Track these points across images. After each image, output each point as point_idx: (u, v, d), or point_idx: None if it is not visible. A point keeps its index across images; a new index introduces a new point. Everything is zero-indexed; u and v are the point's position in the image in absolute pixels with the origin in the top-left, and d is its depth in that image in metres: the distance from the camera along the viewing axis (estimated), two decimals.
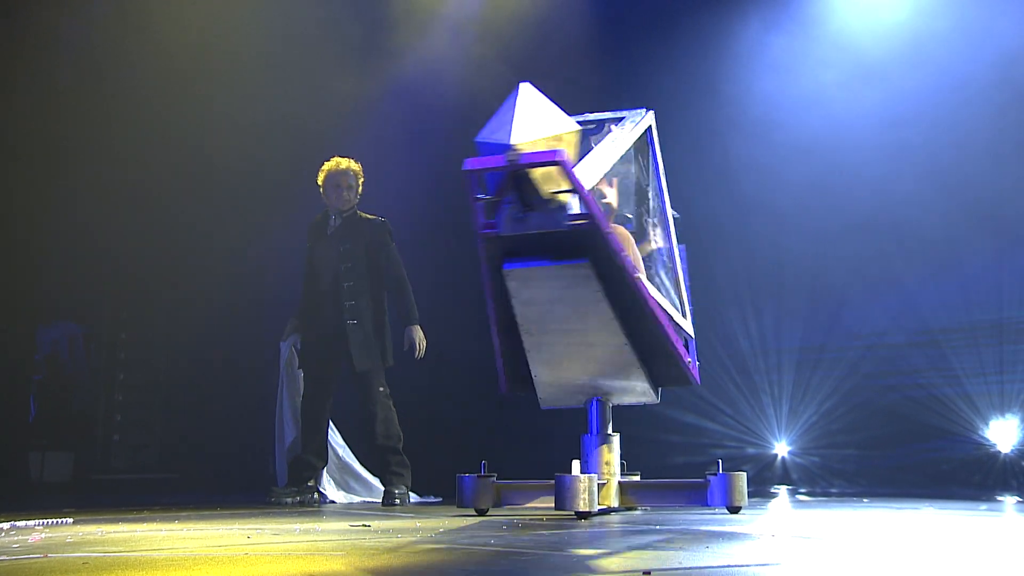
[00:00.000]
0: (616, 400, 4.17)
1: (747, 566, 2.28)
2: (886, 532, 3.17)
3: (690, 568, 2.23)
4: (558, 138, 3.41)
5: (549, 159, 3.34)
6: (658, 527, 3.39)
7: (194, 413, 7.66)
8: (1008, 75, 6.21)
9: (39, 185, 6.95)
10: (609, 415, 4.15)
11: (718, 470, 3.87)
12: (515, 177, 3.41)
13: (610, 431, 4.12)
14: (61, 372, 7.95)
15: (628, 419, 4.41)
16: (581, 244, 3.50)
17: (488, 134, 3.41)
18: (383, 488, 5.51)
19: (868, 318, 6.65)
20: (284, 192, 7.01)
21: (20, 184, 6.83)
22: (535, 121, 3.40)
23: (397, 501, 5.32)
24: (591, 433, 4.11)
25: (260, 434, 6.81)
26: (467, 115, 7.22)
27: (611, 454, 4.07)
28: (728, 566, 2.27)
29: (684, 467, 6.59)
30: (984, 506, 4.60)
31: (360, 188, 5.67)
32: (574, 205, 3.45)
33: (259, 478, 6.56)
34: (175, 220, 7.38)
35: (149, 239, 7.44)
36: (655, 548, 2.67)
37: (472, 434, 7.03)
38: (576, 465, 3.97)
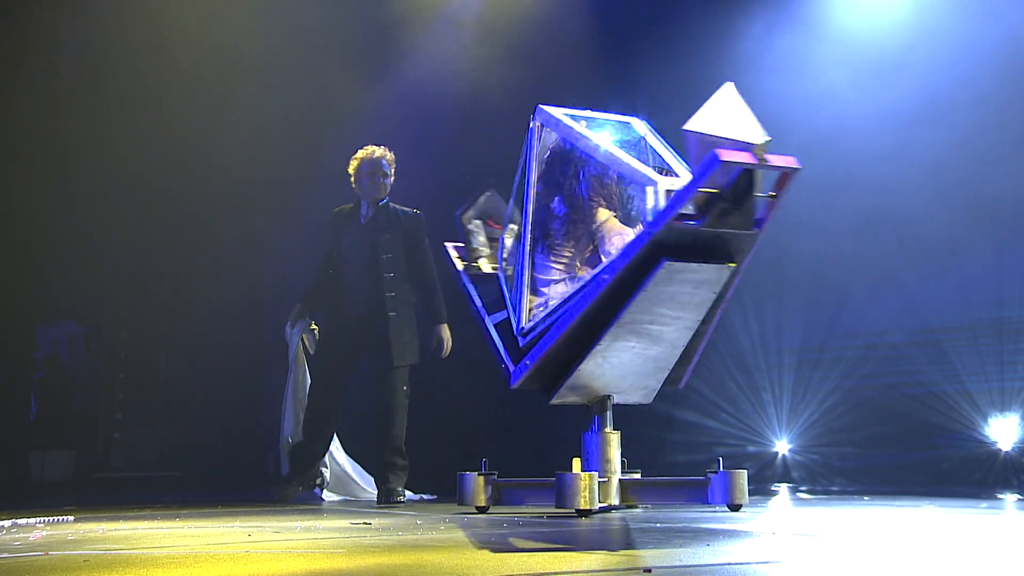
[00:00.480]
0: (620, 399, 4.17)
1: (748, 564, 2.28)
2: (887, 530, 3.17)
3: (691, 566, 2.23)
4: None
5: (794, 167, 3.45)
6: (659, 525, 3.39)
7: (194, 412, 7.66)
8: (1008, 73, 6.21)
9: (39, 185, 6.96)
10: (610, 413, 4.14)
11: (719, 468, 3.87)
12: (749, 176, 3.45)
13: (611, 429, 4.12)
14: (62, 371, 7.95)
15: (629, 417, 4.41)
16: (740, 249, 3.62)
17: (717, 127, 3.41)
18: (381, 486, 5.42)
19: (869, 317, 6.64)
20: (285, 192, 7.01)
21: (20, 184, 6.83)
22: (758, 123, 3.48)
23: (400, 499, 5.29)
24: (592, 431, 4.10)
25: (260, 432, 6.82)
26: (469, 116, 7.25)
27: (612, 452, 4.07)
28: (729, 564, 2.27)
29: (685, 465, 6.59)
30: (985, 504, 4.60)
31: (393, 177, 5.58)
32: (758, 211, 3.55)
33: (259, 476, 6.56)
34: (175, 220, 7.38)
35: (149, 239, 7.44)
36: (656, 546, 2.67)
37: (472, 432, 7.03)
38: (577, 463, 3.97)
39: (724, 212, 3.49)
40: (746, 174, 3.44)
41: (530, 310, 4.09)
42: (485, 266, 4.59)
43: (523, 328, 4.04)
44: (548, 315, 3.94)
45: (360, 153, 5.54)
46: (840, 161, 6.57)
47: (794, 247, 6.65)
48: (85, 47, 6.97)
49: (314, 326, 5.71)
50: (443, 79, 7.40)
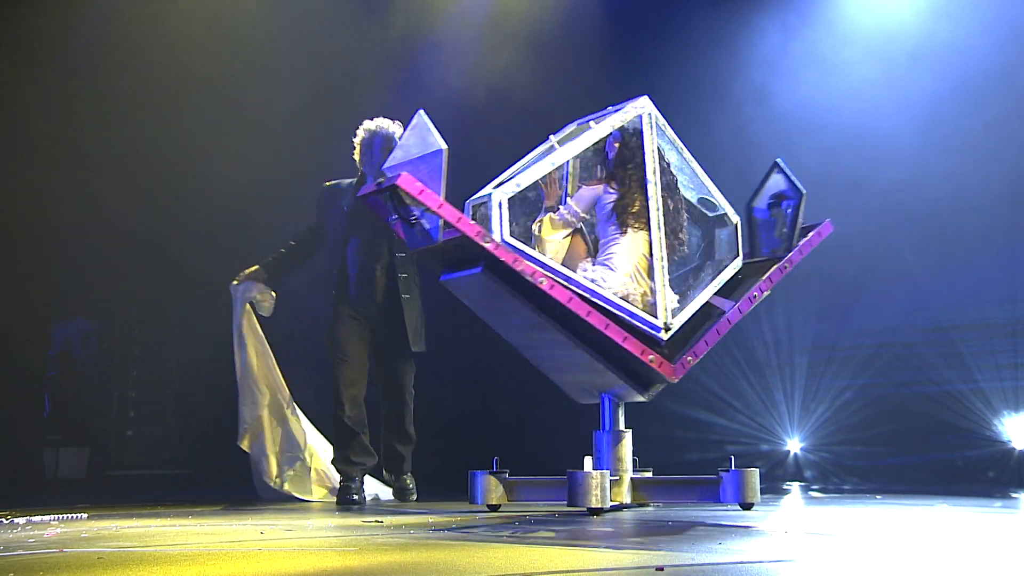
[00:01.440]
0: (621, 398, 4.16)
1: (760, 562, 2.27)
2: (900, 529, 3.16)
3: (703, 564, 2.23)
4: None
5: (394, 183, 3.66)
6: (670, 523, 3.39)
7: (207, 409, 7.69)
8: (1014, 73, 6.20)
9: (52, 183, 6.99)
10: (621, 411, 4.14)
11: (730, 466, 3.86)
12: (390, 201, 3.76)
13: (622, 427, 4.12)
14: (75, 369, 7.99)
15: (640, 415, 4.41)
16: (468, 256, 3.76)
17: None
18: (395, 483, 5.26)
19: (881, 314, 6.62)
20: (298, 193, 7.01)
21: (33, 182, 6.87)
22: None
23: (414, 496, 5.21)
24: (603, 430, 4.10)
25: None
26: (480, 118, 7.25)
27: (623, 450, 4.07)
28: (741, 562, 2.26)
29: (696, 463, 6.58)
30: (999, 503, 4.58)
31: None
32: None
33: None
34: (188, 217, 7.40)
35: (162, 236, 7.47)
36: (668, 544, 2.67)
37: (484, 430, 7.04)
38: (588, 461, 3.97)
39: (410, 233, 3.91)
40: (385, 200, 3.79)
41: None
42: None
43: (667, 324, 3.94)
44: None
45: (371, 124, 5.14)
46: (850, 160, 6.55)
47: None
48: (99, 45, 6.98)
49: (264, 296, 5.28)
50: (455, 82, 7.40)
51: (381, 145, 5.03)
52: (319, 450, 5.39)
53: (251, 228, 7.31)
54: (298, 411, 5.44)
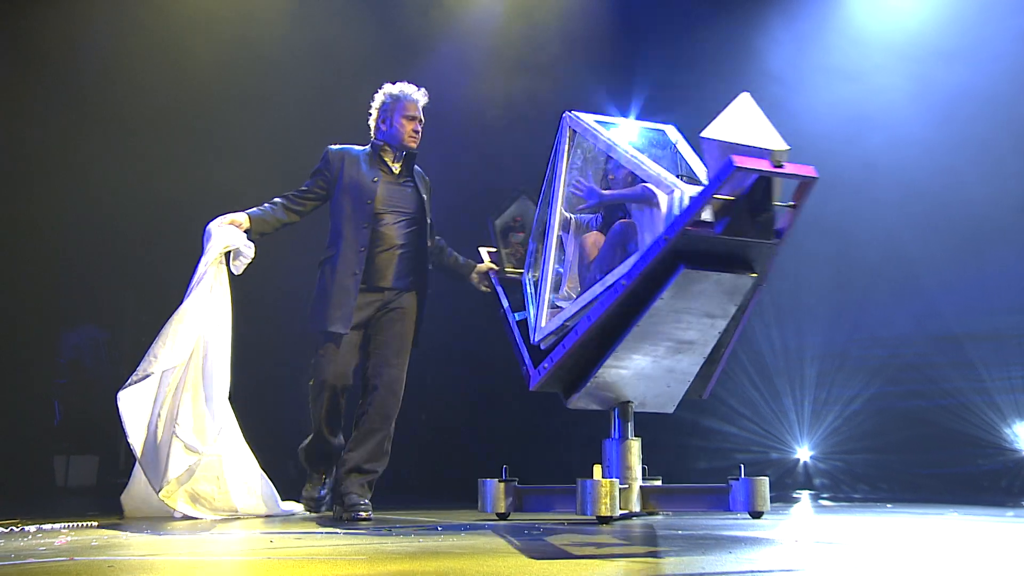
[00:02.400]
0: (640, 407, 4.16)
1: (770, 572, 2.27)
2: (910, 538, 3.15)
3: (713, 573, 2.22)
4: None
5: (812, 175, 3.39)
6: (680, 532, 3.38)
7: None
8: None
9: (61, 191, 7.02)
10: (631, 420, 4.14)
11: (740, 475, 3.85)
12: (767, 184, 3.42)
13: (632, 435, 4.11)
14: (85, 377, 8.01)
15: (649, 424, 4.40)
16: (759, 258, 3.59)
17: (735, 134, 3.38)
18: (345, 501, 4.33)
19: (891, 322, 6.61)
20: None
21: (42, 190, 6.90)
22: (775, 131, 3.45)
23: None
24: (613, 438, 4.10)
25: (282, 438, 6.84)
26: (490, 124, 7.27)
27: (633, 459, 4.07)
28: (751, 571, 2.26)
29: (706, 472, 6.57)
30: (1011, 512, 4.56)
31: None
32: (778, 220, 3.52)
33: (280, 481, 6.57)
34: (197, 225, 7.41)
35: (171, 244, 7.47)
36: (677, 553, 2.66)
37: (493, 438, 7.03)
38: (598, 470, 3.97)
39: (742, 220, 3.45)
40: (763, 182, 3.42)
41: (549, 313, 4.11)
42: (513, 271, 4.64)
43: (541, 330, 4.05)
44: (566, 319, 3.95)
45: (394, 88, 4.59)
46: (861, 168, 6.55)
47: (816, 252, 6.63)
48: (109, 54, 7.02)
49: (246, 250, 4.39)
50: (464, 89, 7.42)
51: (408, 112, 4.53)
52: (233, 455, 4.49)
53: (262, 238, 7.33)
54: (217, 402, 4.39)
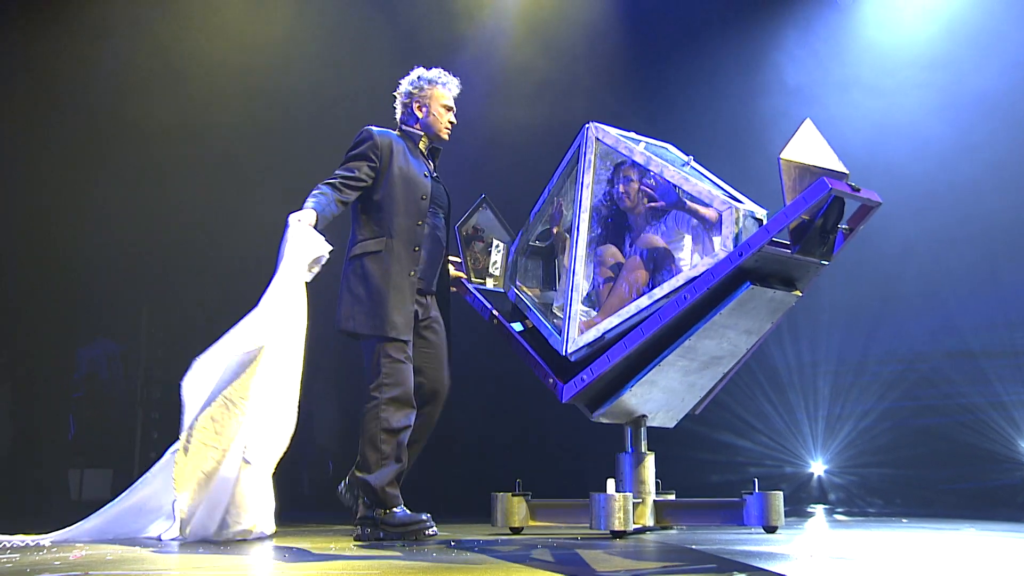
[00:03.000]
0: (652, 421, 4.15)
1: None
2: (926, 554, 3.13)
3: None
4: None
5: (879, 200, 3.57)
6: (694, 547, 3.37)
7: None
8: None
9: (77, 206, 7.07)
10: (644, 433, 4.13)
11: (754, 489, 3.83)
12: (840, 206, 3.51)
13: (645, 449, 4.10)
14: (100, 390, 8.04)
15: (662, 438, 4.40)
16: (806, 277, 3.74)
17: (811, 158, 3.50)
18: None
19: (907, 336, 6.58)
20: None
21: (59, 205, 6.95)
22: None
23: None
24: (627, 452, 4.09)
25: (293, 451, 6.84)
26: (503, 141, 7.29)
27: (646, 473, 4.06)
28: None
29: (719, 486, 6.54)
30: None
31: None
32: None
33: (292, 496, 6.59)
34: (212, 240, 7.45)
35: (186, 259, 7.52)
36: (691, 569, 2.65)
37: (506, 452, 7.02)
38: (611, 484, 3.96)
39: (813, 241, 3.56)
40: (839, 204, 3.47)
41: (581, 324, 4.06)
42: (490, 282, 4.61)
43: (575, 341, 3.99)
44: (606, 331, 3.90)
45: (431, 72, 4.20)
46: (876, 181, 6.52)
47: (831, 266, 6.60)
48: (123, 72, 7.07)
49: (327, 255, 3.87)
50: (476, 106, 7.45)
51: (445, 104, 4.19)
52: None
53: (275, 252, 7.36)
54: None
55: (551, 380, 4.07)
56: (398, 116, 4.23)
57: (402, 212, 3.99)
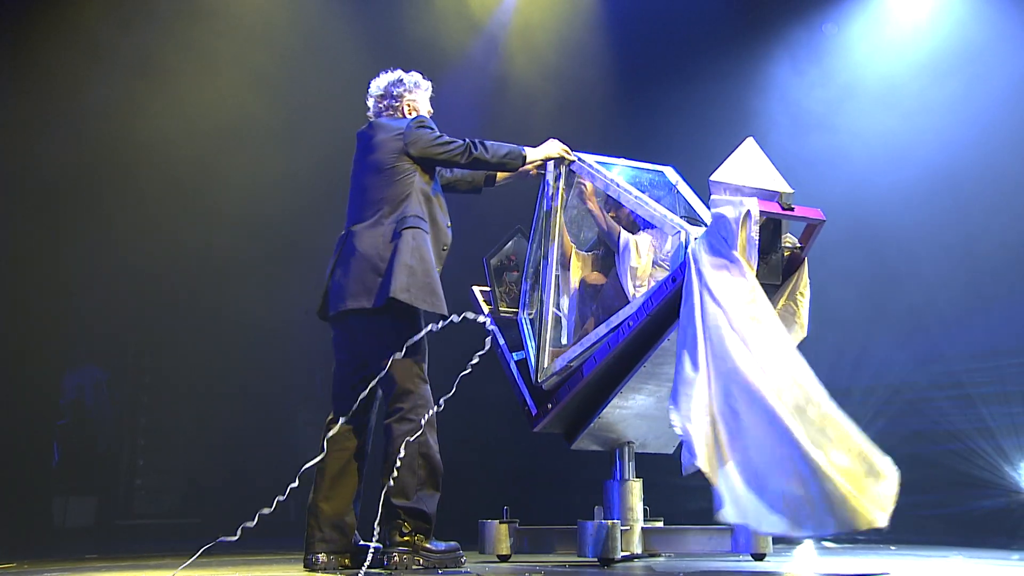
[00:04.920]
0: (641, 448, 4.15)
1: None
2: None
3: None
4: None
5: (820, 218, 3.48)
6: (682, 574, 3.35)
7: (218, 457, 7.67)
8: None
9: (64, 231, 7.05)
10: (632, 461, 4.12)
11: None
12: (775, 227, 3.48)
13: (633, 476, 4.09)
14: (85, 417, 7.98)
15: (650, 464, 4.38)
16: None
17: (743, 178, 3.42)
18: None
19: (893, 362, 6.59)
20: (309, 238, 7.05)
21: (46, 230, 6.93)
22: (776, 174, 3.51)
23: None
24: (614, 479, 4.08)
25: (284, 479, 6.80)
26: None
27: (634, 500, 4.04)
28: None
29: (708, 512, 6.50)
30: (1016, 555, 4.52)
31: None
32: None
33: (282, 523, 6.53)
34: (199, 266, 7.44)
35: (172, 284, 7.50)
36: None
37: (493, 479, 6.99)
38: (599, 511, 3.94)
39: (761, 265, 3.46)
40: (772, 224, 3.45)
41: (551, 353, 4.09)
42: (507, 310, 4.62)
43: (544, 371, 4.03)
44: (570, 359, 3.93)
45: (416, 76, 4.10)
46: (861, 204, 6.57)
47: (816, 291, 6.62)
48: (108, 97, 7.07)
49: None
50: (462, 124, 7.48)
51: (427, 107, 4.08)
52: None
53: (265, 277, 7.35)
54: None
55: (526, 409, 4.09)
56: (409, 112, 3.99)
57: (443, 208, 3.87)
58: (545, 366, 4.03)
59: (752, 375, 3.10)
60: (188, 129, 7.11)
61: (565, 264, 4.29)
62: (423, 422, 3.57)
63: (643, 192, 3.99)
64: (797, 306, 3.70)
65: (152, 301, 7.49)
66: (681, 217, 3.89)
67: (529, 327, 4.39)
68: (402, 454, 3.51)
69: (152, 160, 7.12)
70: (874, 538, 6.01)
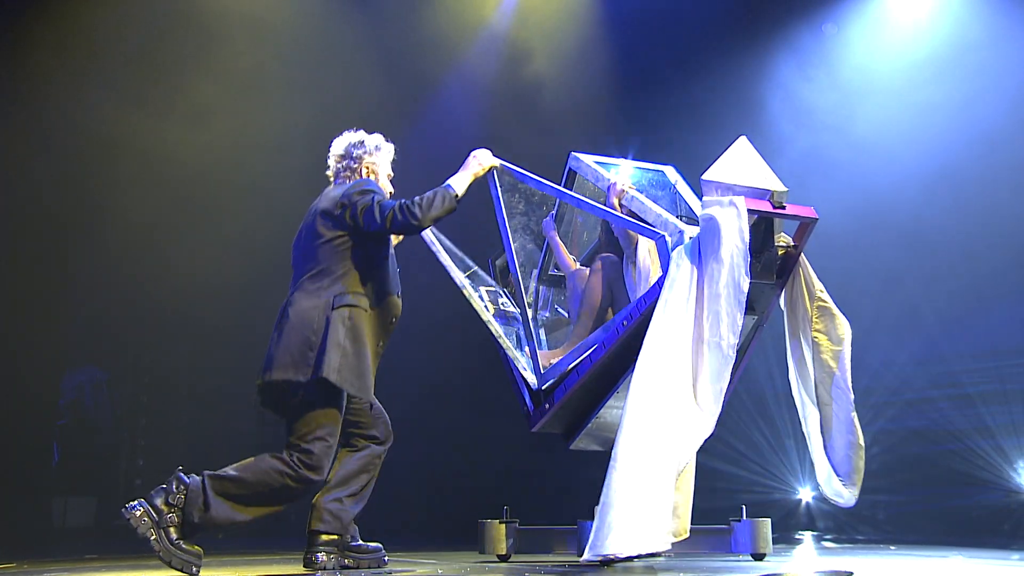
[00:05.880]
0: None
1: None
2: None
3: None
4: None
5: (812, 216, 3.46)
6: (682, 574, 3.35)
7: (216, 458, 7.66)
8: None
9: (64, 233, 7.06)
10: None
11: (742, 516, 3.82)
12: (766, 225, 3.47)
13: None
14: (85, 417, 7.98)
15: None
16: (759, 299, 3.64)
17: (735, 176, 3.41)
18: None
19: (894, 363, 6.60)
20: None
21: (46, 232, 6.93)
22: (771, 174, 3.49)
23: None
24: None
25: None
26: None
27: None
28: None
29: (707, 512, 6.51)
30: (1016, 555, 4.52)
31: None
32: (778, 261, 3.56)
33: (280, 525, 6.53)
34: (197, 267, 7.44)
35: (171, 285, 7.50)
36: None
37: (493, 479, 6.99)
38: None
39: (755, 264, 3.46)
40: (763, 223, 3.44)
41: (546, 355, 4.09)
42: (530, 312, 4.62)
43: (541, 372, 4.03)
44: (567, 360, 3.93)
45: (378, 137, 3.96)
46: (864, 210, 6.57)
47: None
48: (111, 101, 7.07)
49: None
50: (467, 127, 7.48)
51: (389, 168, 4.00)
52: None
53: (260, 281, 7.34)
54: None
55: (524, 409, 4.09)
56: (340, 179, 3.88)
57: (385, 275, 3.71)
58: (542, 367, 4.02)
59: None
60: (188, 129, 7.11)
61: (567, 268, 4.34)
62: (304, 475, 3.44)
63: (642, 192, 3.99)
64: (827, 303, 3.72)
65: (152, 302, 7.49)
66: (679, 217, 3.89)
67: (533, 328, 4.39)
68: (252, 477, 3.53)
69: (152, 161, 7.13)
70: (874, 538, 6.02)
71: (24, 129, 6.76)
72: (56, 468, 7.52)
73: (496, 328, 4.37)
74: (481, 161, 3.86)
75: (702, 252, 3.36)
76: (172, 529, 3.45)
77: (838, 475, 3.82)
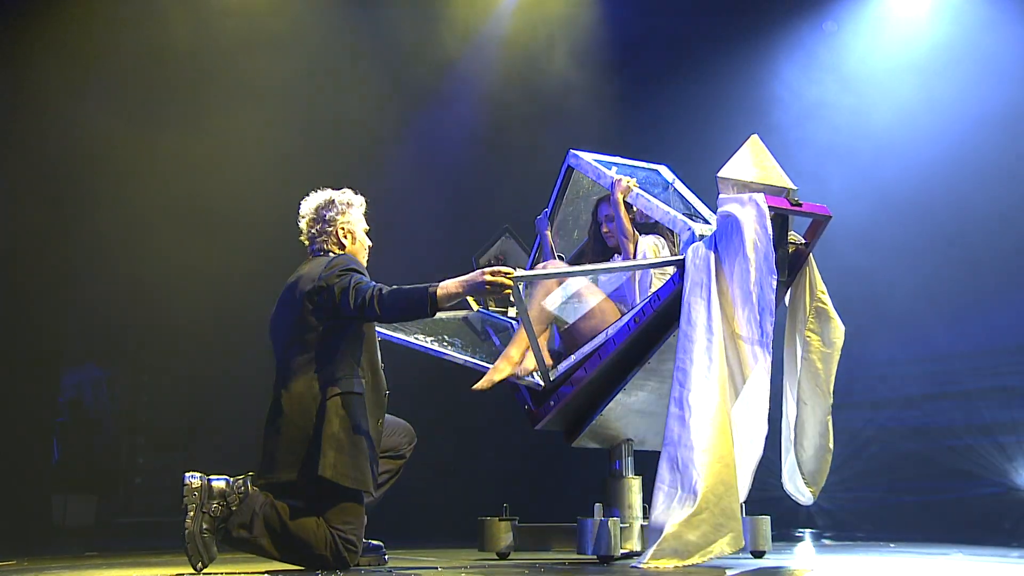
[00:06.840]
0: (639, 446, 4.15)
1: None
2: None
3: None
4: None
5: (827, 214, 3.49)
6: (680, 571, 3.35)
7: (217, 456, 7.67)
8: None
9: (63, 230, 7.05)
10: (631, 458, 4.12)
11: (741, 514, 3.82)
12: (782, 222, 3.47)
13: (632, 473, 4.09)
14: (84, 415, 7.98)
15: (649, 461, 4.38)
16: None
17: (750, 174, 3.43)
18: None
19: (894, 360, 6.60)
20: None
21: (45, 229, 6.93)
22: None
23: None
24: (614, 476, 4.08)
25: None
26: (491, 164, 7.32)
27: (633, 497, 4.05)
28: None
29: None
30: (1016, 553, 4.52)
31: None
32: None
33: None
34: (198, 265, 7.43)
35: (172, 283, 7.49)
36: None
37: (493, 476, 6.99)
38: (599, 508, 3.95)
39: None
40: (778, 220, 3.45)
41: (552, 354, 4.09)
42: (512, 311, 4.62)
43: (547, 369, 4.01)
44: (579, 359, 3.91)
45: (347, 194, 3.85)
46: (860, 204, 6.57)
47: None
48: (108, 97, 7.07)
49: None
50: (465, 127, 7.47)
51: (361, 226, 3.89)
52: None
53: (261, 280, 7.33)
54: None
55: (526, 407, 4.09)
56: (317, 244, 3.79)
57: (374, 350, 3.65)
58: (548, 365, 4.01)
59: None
60: (188, 129, 7.12)
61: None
62: (341, 555, 3.37)
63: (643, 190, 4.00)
64: (825, 305, 3.72)
65: (152, 299, 7.48)
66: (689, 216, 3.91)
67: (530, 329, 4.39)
68: (302, 533, 3.39)
69: (152, 160, 7.13)
70: (874, 535, 6.02)
71: (24, 127, 6.76)
72: (56, 466, 7.52)
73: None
74: (489, 279, 3.39)
75: (721, 248, 3.39)
76: (209, 518, 3.39)
77: (802, 473, 3.86)
